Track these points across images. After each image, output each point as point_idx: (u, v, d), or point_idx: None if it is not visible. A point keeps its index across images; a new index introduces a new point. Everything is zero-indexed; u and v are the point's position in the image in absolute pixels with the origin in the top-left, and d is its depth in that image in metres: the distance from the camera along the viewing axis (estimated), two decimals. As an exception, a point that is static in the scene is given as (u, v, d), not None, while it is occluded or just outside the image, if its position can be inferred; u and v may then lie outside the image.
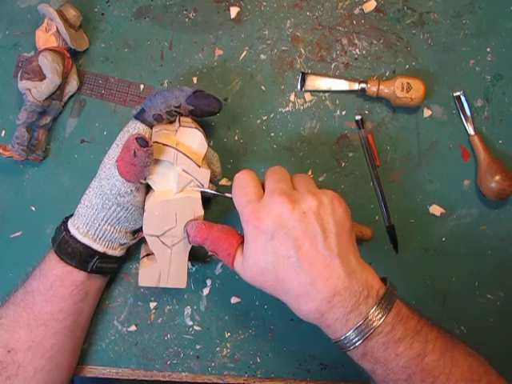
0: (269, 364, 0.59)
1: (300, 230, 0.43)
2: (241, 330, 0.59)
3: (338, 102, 0.60)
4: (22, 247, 0.60)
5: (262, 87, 0.60)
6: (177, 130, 0.51)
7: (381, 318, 0.42)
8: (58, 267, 0.51)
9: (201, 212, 0.51)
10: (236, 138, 0.60)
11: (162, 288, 0.55)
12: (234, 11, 0.60)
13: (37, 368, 0.51)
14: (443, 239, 0.59)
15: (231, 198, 0.48)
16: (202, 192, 0.50)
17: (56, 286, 0.51)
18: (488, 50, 0.59)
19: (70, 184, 0.60)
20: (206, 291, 0.59)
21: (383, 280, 0.45)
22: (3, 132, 0.60)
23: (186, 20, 0.60)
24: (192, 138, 0.50)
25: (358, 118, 0.59)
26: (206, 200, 0.57)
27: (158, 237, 0.51)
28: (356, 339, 0.42)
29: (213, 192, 0.51)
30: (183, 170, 0.49)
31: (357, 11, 0.60)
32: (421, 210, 0.59)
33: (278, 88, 0.60)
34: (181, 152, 0.49)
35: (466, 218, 0.59)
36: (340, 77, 0.59)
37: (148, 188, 0.52)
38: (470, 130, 0.58)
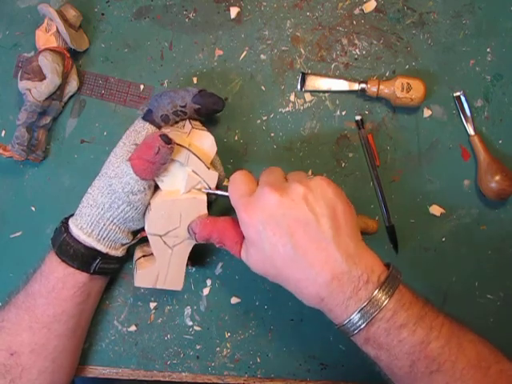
0: (269, 364, 0.59)
1: (291, 217, 0.43)
2: (241, 330, 0.59)
3: (337, 102, 0.60)
4: (22, 247, 0.60)
5: (262, 87, 0.60)
6: (189, 132, 0.51)
7: (381, 304, 0.42)
8: (60, 269, 0.51)
9: (205, 214, 0.51)
10: (236, 138, 0.60)
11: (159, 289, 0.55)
12: (233, 11, 0.60)
13: (40, 370, 0.51)
14: (443, 239, 0.59)
15: None
16: (207, 194, 0.51)
17: (58, 289, 0.51)
18: (488, 50, 0.59)
19: (70, 184, 0.60)
20: (206, 291, 0.59)
21: (387, 265, 0.45)
22: (3, 132, 0.60)
23: (186, 20, 0.60)
24: (203, 140, 0.51)
25: (357, 118, 0.59)
26: (208, 204, 0.57)
27: (160, 236, 0.51)
28: (357, 325, 0.42)
29: (219, 193, 0.51)
30: (193, 171, 0.49)
31: (357, 11, 0.60)
32: (421, 210, 0.59)
33: (277, 88, 0.60)
34: (193, 153, 0.49)
35: (466, 218, 0.59)
36: (340, 77, 0.59)
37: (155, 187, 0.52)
38: (470, 130, 0.58)
